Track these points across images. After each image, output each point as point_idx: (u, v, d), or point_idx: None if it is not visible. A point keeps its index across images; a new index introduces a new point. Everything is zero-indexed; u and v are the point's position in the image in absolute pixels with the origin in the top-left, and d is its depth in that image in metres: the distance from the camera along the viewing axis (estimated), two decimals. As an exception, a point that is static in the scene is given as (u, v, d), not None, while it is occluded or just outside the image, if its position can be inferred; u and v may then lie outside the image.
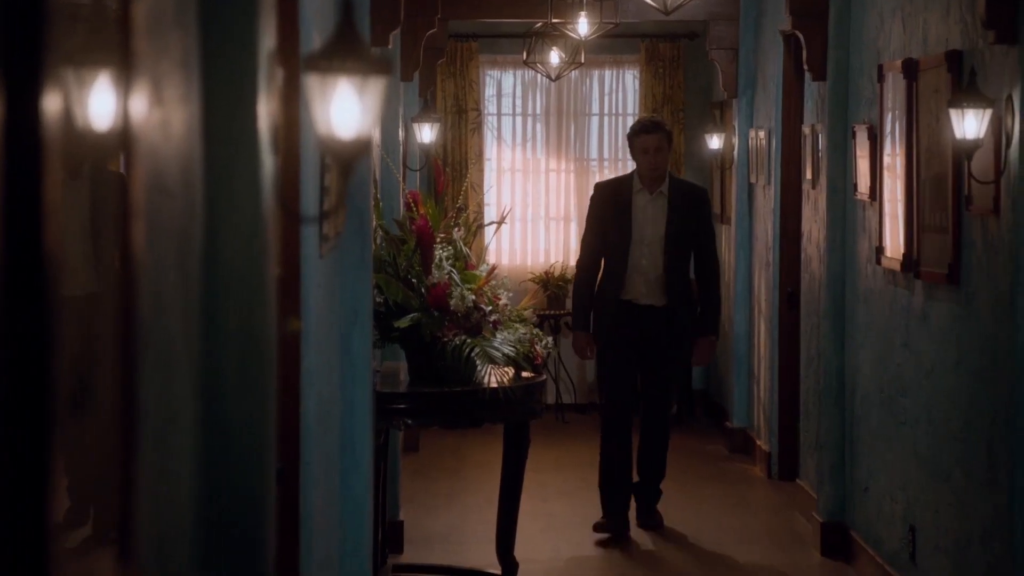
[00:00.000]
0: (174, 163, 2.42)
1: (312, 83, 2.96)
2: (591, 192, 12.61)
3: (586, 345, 7.42)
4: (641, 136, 7.33)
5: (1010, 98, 4.87)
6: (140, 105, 2.12)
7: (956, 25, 5.49)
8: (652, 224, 7.32)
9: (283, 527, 3.96)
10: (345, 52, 2.92)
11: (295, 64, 3.75)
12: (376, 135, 6.21)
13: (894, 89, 6.25)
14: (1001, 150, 4.96)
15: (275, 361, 2.99)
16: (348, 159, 3.06)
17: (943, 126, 5.44)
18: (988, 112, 4.93)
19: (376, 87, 3.02)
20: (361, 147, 3.03)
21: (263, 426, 2.83)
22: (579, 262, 7.51)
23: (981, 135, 4.95)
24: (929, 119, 5.78)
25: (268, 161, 2.86)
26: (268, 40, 2.92)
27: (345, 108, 2.97)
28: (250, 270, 2.78)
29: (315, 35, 4.16)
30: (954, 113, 4.96)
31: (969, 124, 4.93)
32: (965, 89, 4.98)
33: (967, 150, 4.99)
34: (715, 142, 10.71)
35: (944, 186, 5.57)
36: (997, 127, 4.97)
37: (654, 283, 7.30)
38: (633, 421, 7.49)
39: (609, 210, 7.34)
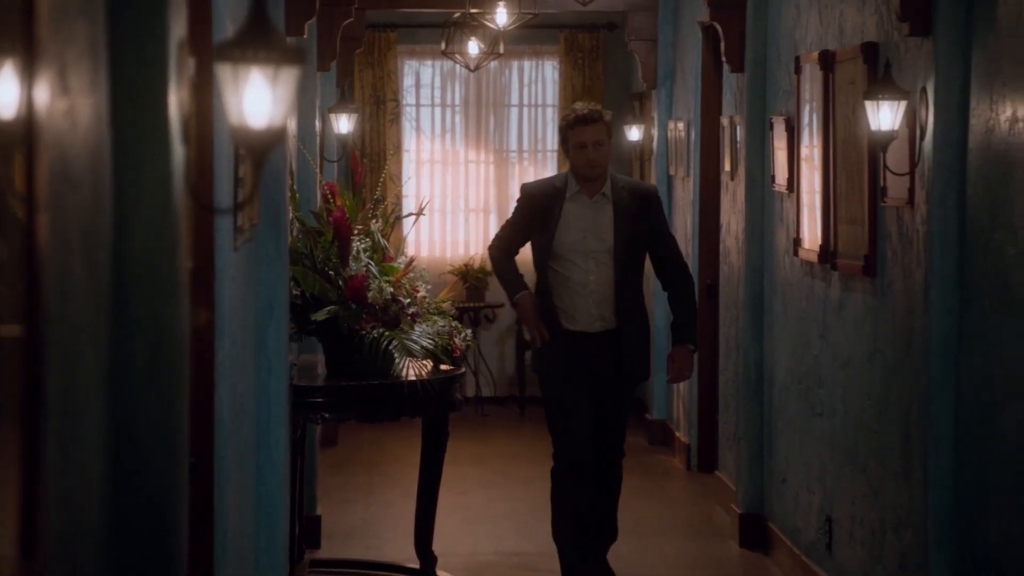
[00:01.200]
0: (81, 153, 2.36)
1: (224, 73, 2.91)
2: (511, 184, 12.49)
3: (532, 308, 6.05)
4: (577, 128, 6.01)
5: (924, 90, 4.91)
6: (44, 94, 2.07)
7: (872, 17, 5.52)
8: (595, 234, 6.01)
9: (196, 523, 3.90)
10: (257, 41, 2.87)
11: (208, 53, 3.69)
12: (292, 125, 6.14)
13: (811, 81, 6.29)
14: (916, 142, 5.00)
15: (187, 354, 2.94)
16: (261, 150, 3.00)
17: (859, 118, 5.47)
18: (903, 104, 4.96)
19: (289, 77, 2.97)
20: (274, 138, 2.98)
21: (175, 420, 2.78)
22: (492, 247, 6.25)
23: (896, 127, 4.98)
24: (845, 111, 5.81)
25: (179, 151, 2.81)
26: (179, 29, 2.86)
27: (257, 98, 2.92)
28: (161, 262, 2.73)
29: (228, 24, 4.10)
30: (869, 105, 4.99)
31: (884, 116, 4.96)
32: (880, 81, 5.01)
33: (882, 142, 5.02)
34: (635, 133, 10.73)
35: (860, 178, 5.61)
36: (912, 119, 5.00)
37: (605, 304, 6.01)
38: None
39: (538, 220, 6.06)
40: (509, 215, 6.32)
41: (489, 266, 11.43)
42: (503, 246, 6.21)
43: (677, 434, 9.48)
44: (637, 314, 6.08)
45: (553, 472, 6.19)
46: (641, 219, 6.05)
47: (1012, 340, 4.37)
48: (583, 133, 6.02)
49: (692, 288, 6.20)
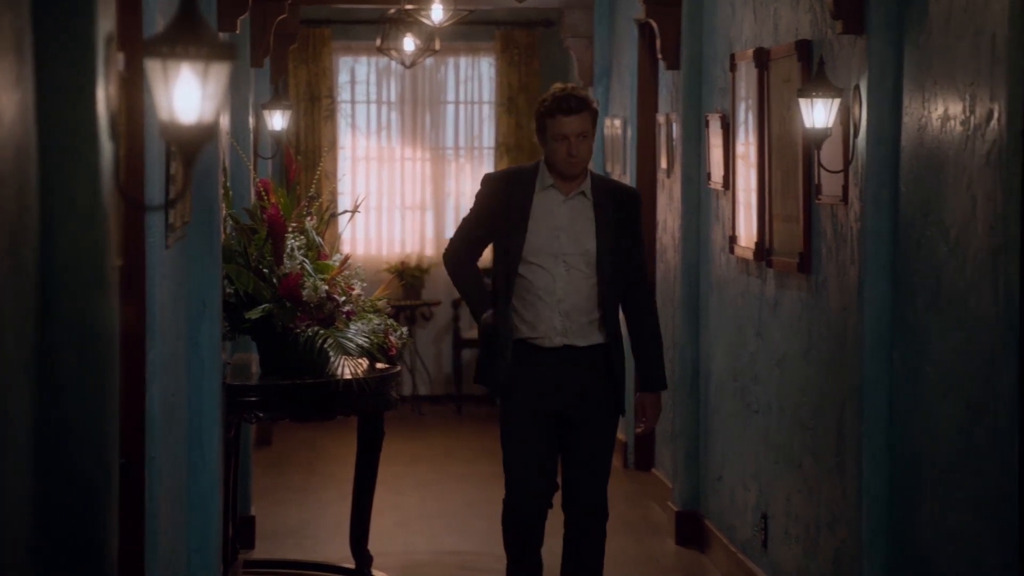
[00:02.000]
0: (6, 149, 2.31)
1: (154, 68, 2.86)
2: (448, 181, 12.36)
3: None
4: (559, 117, 5.11)
5: (858, 88, 4.93)
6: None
7: (806, 15, 5.54)
8: (570, 235, 5.15)
9: (126, 523, 3.86)
10: (187, 36, 2.83)
11: (138, 48, 3.64)
12: (224, 122, 6.08)
13: (746, 78, 6.30)
14: (849, 139, 5.02)
15: (117, 353, 2.90)
16: (191, 146, 2.96)
17: (793, 115, 5.48)
18: (836, 102, 4.98)
19: (220, 73, 2.93)
20: (205, 134, 2.94)
21: (104, 420, 2.73)
22: (448, 254, 5.37)
23: (830, 124, 5.00)
24: (780, 108, 5.83)
25: (108, 148, 2.77)
26: (107, 23, 2.82)
27: (187, 94, 2.88)
28: (89, 260, 2.68)
29: (159, 19, 4.05)
30: (803, 102, 5.00)
31: (818, 113, 4.98)
32: (814, 79, 5.03)
33: (816, 139, 5.04)
34: (570, 131, 10.72)
35: (795, 175, 5.63)
36: (845, 116, 5.03)
37: (574, 317, 5.14)
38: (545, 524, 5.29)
39: (505, 216, 5.21)
40: (465, 211, 5.50)
41: (427, 264, 11.50)
42: (463, 250, 5.30)
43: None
44: (617, 330, 5.20)
45: (503, 518, 5.27)
46: (623, 227, 5.18)
47: (944, 337, 4.40)
48: (565, 123, 5.12)
49: (657, 314, 5.31)
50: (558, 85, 5.26)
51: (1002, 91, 4.00)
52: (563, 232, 5.15)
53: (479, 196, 5.31)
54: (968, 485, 4.23)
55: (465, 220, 5.38)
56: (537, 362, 5.15)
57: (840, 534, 5.16)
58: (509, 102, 11.36)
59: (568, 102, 5.12)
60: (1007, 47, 3.97)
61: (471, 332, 11.29)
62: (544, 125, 5.17)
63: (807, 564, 5.56)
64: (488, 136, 11.49)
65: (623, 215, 5.19)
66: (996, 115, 4.05)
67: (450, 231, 11.50)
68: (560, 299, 5.14)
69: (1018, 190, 3.93)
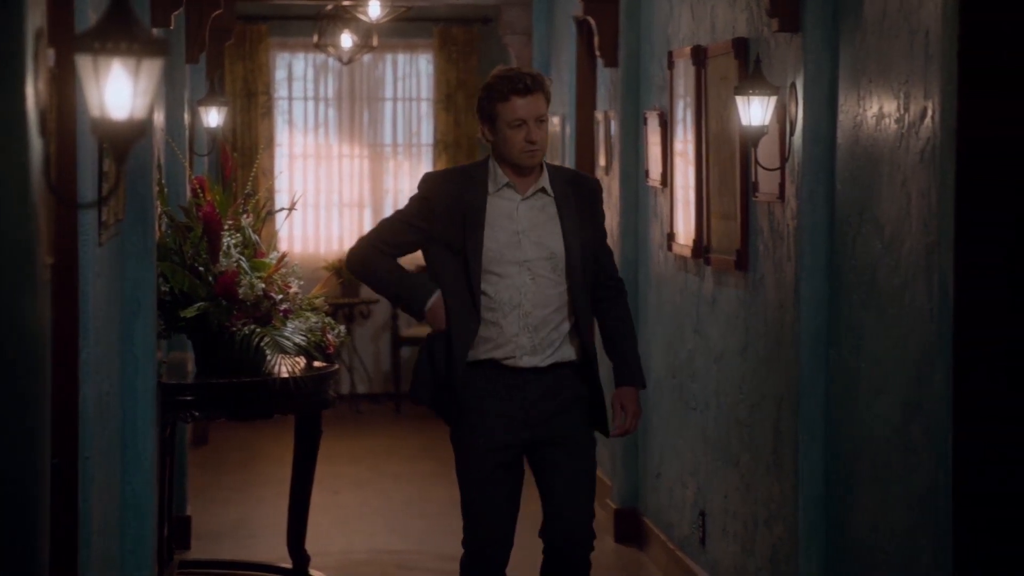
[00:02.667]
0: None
1: (84, 64, 2.83)
2: (386, 178, 12.18)
3: (440, 308, 4.59)
4: (513, 100, 4.45)
5: (794, 85, 4.94)
6: None
7: (742, 13, 5.56)
8: (533, 239, 4.54)
9: (59, 524, 3.81)
10: (119, 32, 2.80)
11: (69, 44, 3.59)
12: (159, 119, 6.02)
13: (684, 76, 6.31)
14: (786, 137, 5.04)
15: (49, 353, 2.86)
16: (123, 143, 2.93)
17: (730, 113, 5.50)
18: (773, 99, 5.00)
19: (152, 68, 2.90)
20: (137, 130, 2.91)
21: (37, 420, 2.69)
22: (355, 253, 4.69)
23: (766, 122, 5.02)
24: (717, 106, 5.84)
25: (37, 144, 2.72)
26: (37, 18, 2.77)
27: (119, 90, 2.85)
28: (18, 258, 2.64)
29: (91, 14, 4.00)
30: (740, 100, 5.01)
31: (755, 111, 4.99)
32: (751, 76, 5.04)
33: (753, 137, 5.05)
34: (509, 129, 10.71)
35: (732, 173, 5.64)
36: (782, 114, 5.04)
37: (543, 330, 4.53)
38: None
39: (450, 220, 4.55)
40: (390, 213, 5.06)
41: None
42: (375, 251, 4.62)
43: (552, 429, 9.48)
44: (591, 344, 4.61)
45: (464, 565, 4.69)
46: (587, 220, 4.60)
47: (879, 333, 4.42)
48: (520, 106, 4.44)
49: (630, 311, 4.79)
50: (502, 67, 4.63)
51: (936, 89, 4.02)
52: (524, 236, 4.52)
53: (417, 198, 4.61)
54: (903, 481, 4.25)
55: (388, 222, 4.67)
56: (502, 386, 4.52)
57: (777, 531, 5.18)
58: (447, 99, 11.34)
59: (523, 80, 4.46)
60: (940, 45, 3.99)
61: (410, 330, 11.26)
62: (494, 112, 4.46)
63: (745, 561, 5.58)
64: (427, 133, 11.46)
65: (586, 208, 4.59)
66: (930, 113, 4.07)
67: (389, 228, 11.46)
68: (527, 312, 4.50)
69: (952, 187, 3.95)
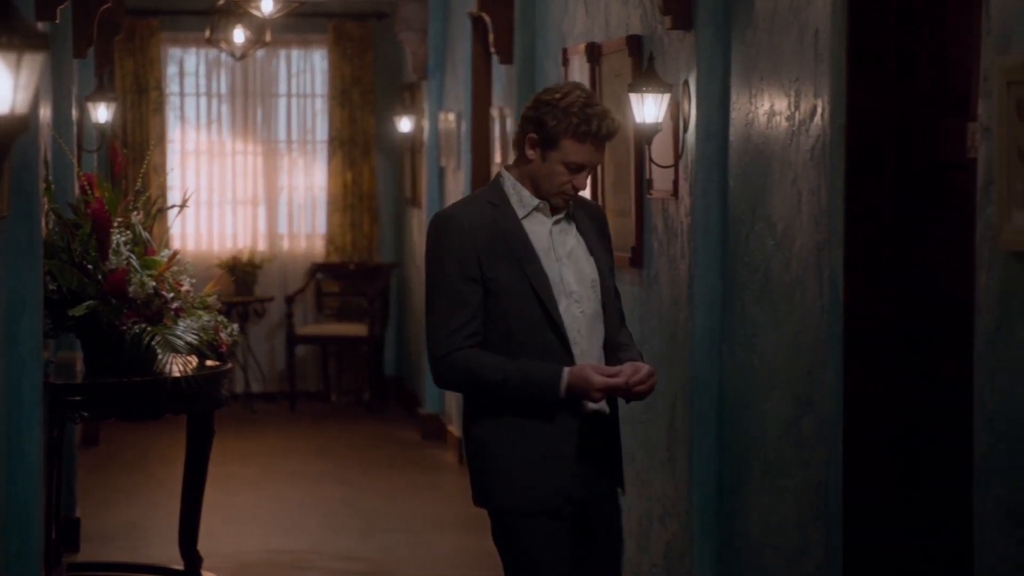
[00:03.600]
0: None
1: (-37, 57, 2.76)
2: (280, 175, 12.03)
3: (593, 370, 3.74)
4: (587, 144, 3.76)
5: (687, 83, 4.96)
6: None
7: (636, 10, 5.57)
8: (571, 267, 3.87)
9: (-61, 532, 3.71)
10: (-1, 26, 2.74)
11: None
12: (45, 114, 5.90)
13: (579, 73, 6.31)
14: (679, 134, 5.05)
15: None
16: (4, 138, 2.88)
17: (625, 110, 5.51)
18: (666, 97, 5.01)
19: (34, 63, 2.84)
20: (19, 125, 2.86)
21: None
22: (445, 357, 3.77)
23: (660, 119, 5.03)
24: (612, 103, 5.85)
25: (-89, 139, 2.64)
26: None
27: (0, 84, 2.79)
28: None
29: (-29, 5, 3.90)
30: (634, 97, 5.02)
31: (648, 108, 5.00)
32: (644, 74, 5.05)
33: (647, 134, 5.06)
34: (405, 125, 10.67)
35: (627, 170, 5.65)
36: (675, 111, 5.06)
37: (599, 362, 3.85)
38: None
39: (496, 257, 3.78)
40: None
41: (259, 259, 11.31)
42: (464, 338, 3.75)
43: (449, 428, 9.46)
44: None
45: None
46: (605, 246, 3.97)
47: (771, 330, 4.45)
48: (587, 153, 3.77)
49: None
50: (586, 92, 3.81)
51: (825, 87, 4.06)
52: (564, 264, 3.85)
53: (452, 247, 3.76)
54: (795, 476, 4.28)
55: (443, 300, 3.78)
56: (556, 441, 3.76)
57: (671, 527, 5.20)
58: (342, 95, 11.26)
59: (606, 128, 3.75)
60: (830, 43, 4.02)
61: (305, 328, 11.17)
62: (558, 141, 3.75)
63: (639, 558, 5.59)
64: (321, 129, 11.38)
65: (602, 233, 3.98)
66: (820, 111, 4.10)
67: (283, 225, 11.38)
68: (584, 351, 3.81)
69: (841, 185, 3.99)
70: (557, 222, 3.86)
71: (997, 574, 3.19)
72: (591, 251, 3.89)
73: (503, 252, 3.77)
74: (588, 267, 3.87)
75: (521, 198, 3.83)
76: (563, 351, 3.77)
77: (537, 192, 3.83)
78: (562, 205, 3.84)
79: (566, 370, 3.71)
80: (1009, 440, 3.15)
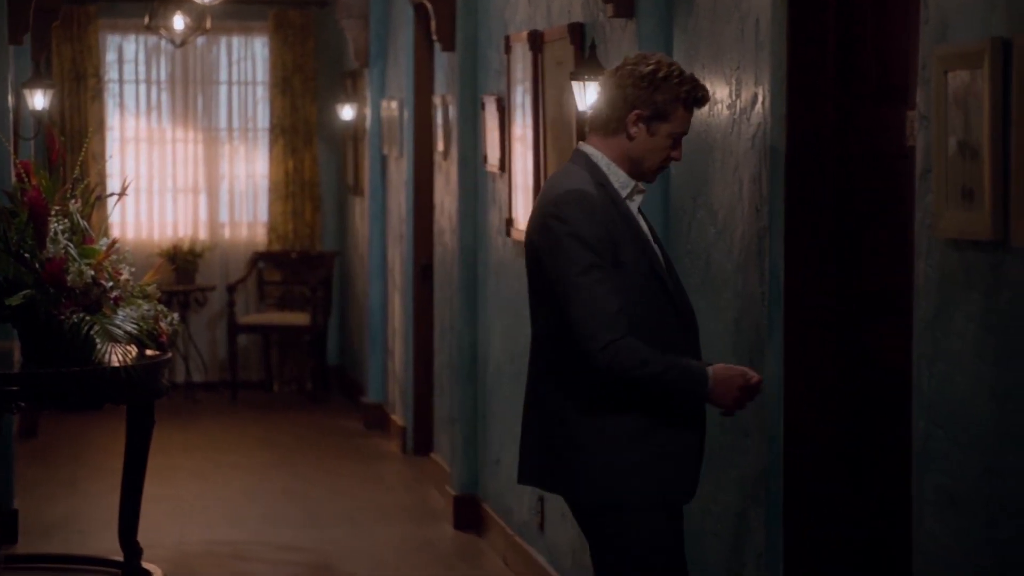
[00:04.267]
0: None
1: None
2: (221, 163, 12.03)
3: (737, 375, 3.57)
4: (692, 112, 3.65)
5: (630, 72, 4.95)
6: None
7: (579, -1, 5.56)
8: (659, 248, 3.73)
9: None
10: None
11: None
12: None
13: (521, 60, 6.30)
14: (622, 123, 5.04)
15: None
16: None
17: (567, 98, 5.49)
18: (609, 85, 4.99)
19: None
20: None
21: None
22: (612, 345, 3.49)
23: (603, 108, 5.01)
24: (555, 91, 5.84)
25: None
26: None
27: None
28: None
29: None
30: (576, 85, 5.01)
31: (591, 96, 4.99)
32: (586, 62, 5.04)
33: (590, 123, 5.04)
34: (347, 112, 10.62)
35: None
36: (618, 100, 5.04)
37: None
38: None
39: (621, 240, 3.58)
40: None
41: (200, 248, 11.23)
42: (619, 329, 3.49)
43: (393, 417, 9.44)
44: None
45: None
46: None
47: (714, 318, 4.45)
48: (689, 121, 3.66)
49: None
50: (671, 60, 3.66)
51: (766, 76, 4.06)
52: (656, 248, 3.70)
53: (591, 228, 3.52)
54: (737, 464, 4.29)
55: (592, 288, 3.49)
56: (683, 438, 3.66)
57: (614, 515, 5.19)
58: (284, 83, 11.19)
59: (704, 92, 3.65)
60: (770, 31, 4.03)
61: (246, 317, 11.10)
62: (668, 112, 3.59)
63: (582, 545, 5.58)
64: (263, 117, 11.30)
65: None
66: (760, 99, 4.11)
67: (224, 214, 11.30)
68: (692, 344, 3.73)
69: (782, 173, 3.99)
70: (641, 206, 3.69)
71: (935, 561, 3.21)
72: (654, 237, 3.71)
73: (627, 235, 3.57)
74: (662, 255, 3.70)
75: (619, 178, 3.62)
76: (685, 342, 3.62)
77: (636, 170, 3.63)
78: (653, 180, 3.69)
79: (710, 368, 3.55)
80: (947, 427, 3.16)
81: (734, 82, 4.28)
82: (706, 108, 4.48)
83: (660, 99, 3.58)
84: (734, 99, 4.29)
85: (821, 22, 3.96)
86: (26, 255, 5.72)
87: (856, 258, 3.93)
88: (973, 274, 3.06)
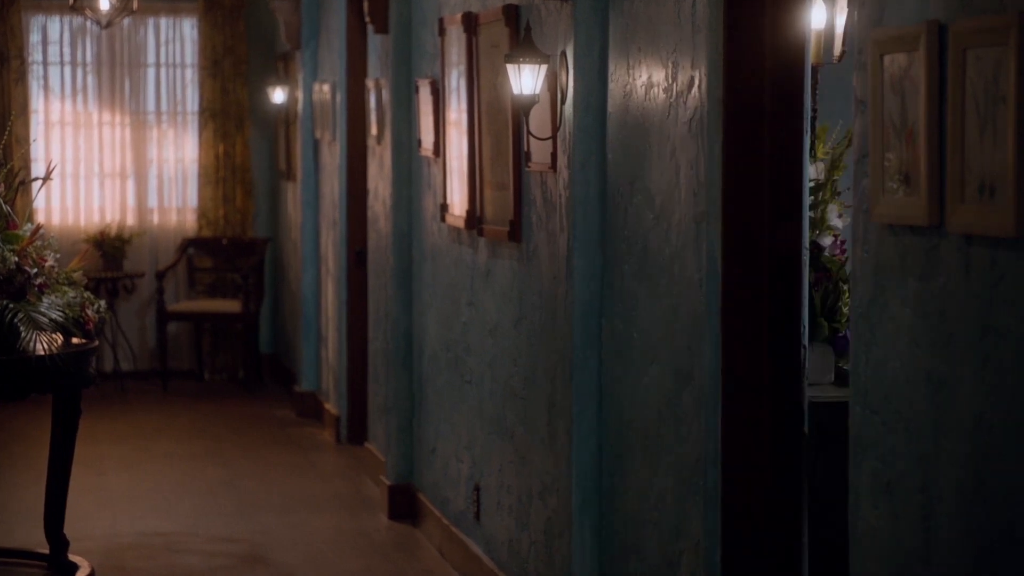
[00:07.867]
0: None
1: None
2: (149, 147, 11.82)
3: None
4: None
5: (564, 54, 4.88)
6: None
7: (513, -20, 5.48)
8: None
9: None
10: None
11: None
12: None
13: (456, 43, 6.21)
14: (557, 106, 4.98)
15: None
16: None
17: (502, 81, 5.42)
18: (544, 68, 4.93)
19: None
20: None
21: None
22: None
23: (537, 91, 4.95)
24: (489, 74, 5.76)
25: None
26: None
27: None
28: None
29: None
30: (511, 68, 4.93)
31: (526, 80, 4.91)
32: (521, 44, 4.96)
33: (524, 106, 4.98)
34: (279, 96, 10.49)
35: (505, 142, 5.57)
36: (553, 83, 4.98)
37: None
38: None
39: None
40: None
41: (128, 234, 11.02)
42: None
43: (326, 406, 9.34)
44: None
45: None
46: None
47: (651, 304, 4.40)
48: None
49: None
50: None
51: (702, 59, 4.00)
52: None
53: None
54: (674, 451, 4.24)
55: None
56: None
57: (551, 503, 5.14)
58: (214, 65, 11.03)
59: None
60: (707, 14, 3.97)
61: (176, 305, 10.94)
62: None
63: (519, 534, 5.53)
64: (192, 101, 11.14)
65: None
66: (697, 82, 4.05)
67: (153, 199, 11.13)
68: None
69: (719, 158, 3.94)
70: None
71: (871, 546, 3.17)
72: None
73: None
74: None
75: None
76: None
77: None
78: None
79: None
80: (883, 413, 3.13)
81: (671, 65, 4.22)
82: (642, 92, 4.42)
83: None
84: (670, 82, 4.23)
85: (758, 4, 3.90)
86: (-53, 242, 5.58)
87: (795, 243, 3.89)
88: (909, 259, 3.02)
